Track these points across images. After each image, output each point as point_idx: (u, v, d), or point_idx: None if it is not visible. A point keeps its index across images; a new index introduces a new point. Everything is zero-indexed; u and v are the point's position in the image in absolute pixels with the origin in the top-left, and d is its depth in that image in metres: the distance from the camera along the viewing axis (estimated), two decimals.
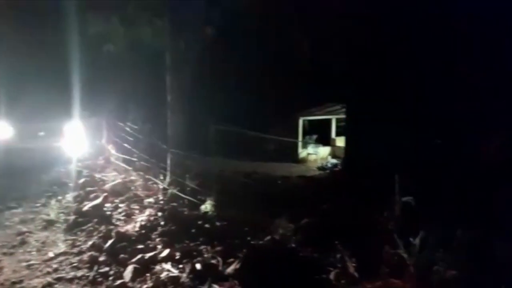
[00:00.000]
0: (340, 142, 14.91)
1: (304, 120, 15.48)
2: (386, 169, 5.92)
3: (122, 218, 7.31)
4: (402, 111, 8.40)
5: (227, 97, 13.83)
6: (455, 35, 7.25)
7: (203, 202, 7.61)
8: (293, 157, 14.66)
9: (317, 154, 15.12)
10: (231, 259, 5.48)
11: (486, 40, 6.76)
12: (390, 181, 5.58)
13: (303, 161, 14.91)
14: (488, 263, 4.28)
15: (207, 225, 6.83)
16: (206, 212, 7.36)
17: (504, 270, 4.16)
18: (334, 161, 13.97)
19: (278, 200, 7.73)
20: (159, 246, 6.13)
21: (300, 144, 14.93)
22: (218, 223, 6.85)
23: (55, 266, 5.87)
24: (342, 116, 14.50)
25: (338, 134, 16.16)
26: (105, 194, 8.14)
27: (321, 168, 13.55)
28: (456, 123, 7.18)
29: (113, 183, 8.91)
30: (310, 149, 15.29)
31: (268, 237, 6.06)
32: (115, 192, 8.40)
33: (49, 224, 7.34)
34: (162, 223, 6.94)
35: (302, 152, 15.19)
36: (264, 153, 14.41)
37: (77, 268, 5.77)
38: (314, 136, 16.04)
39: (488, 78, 6.81)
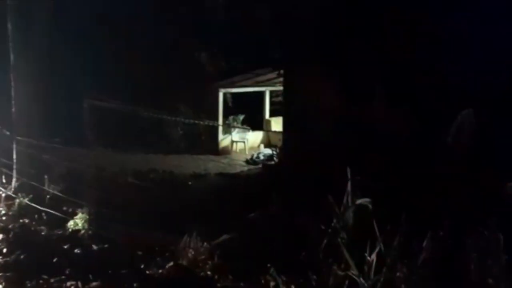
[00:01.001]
0: (277, 125, 15.34)
1: (225, 94, 15.61)
2: (339, 162, 6.21)
3: None
4: (363, 78, 8.86)
5: (110, 58, 13.41)
6: None
7: (72, 216, 7.53)
8: (211, 147, 14.83)
9: (245, 142, 15.41)
10: None
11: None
12: (343, 178, 5.88)
13: (225, 152, 15.11)
14: (462, 283, 4.76)
15: (77, 251, 6.74)
16: (76, 231, 7.29)
17: None
18: (268, 151, 14.35)
19: (187, 210, 7.82)
20: (0, 286, 5.86)
21: (220, 128, 15.07)
22: (95, 247, 6.79)
23: None
24: (279, 87, 14.92)
25: (273, 113, 16.60)
26: None
27: (251, 161, 13.85)
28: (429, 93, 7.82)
29: None
30: (235, 135, 15.51)
31: (171, 264, 6.08)
32: None
33: None
34: (5, 250, 6.73)
35: (224, 140, 15.36)
36: (168, 142, 14.29)
37: None
38: (241, 117, 16.30)
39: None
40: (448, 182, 6.62)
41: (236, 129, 15.56)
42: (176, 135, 14.74)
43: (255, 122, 16.20)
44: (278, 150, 13.23)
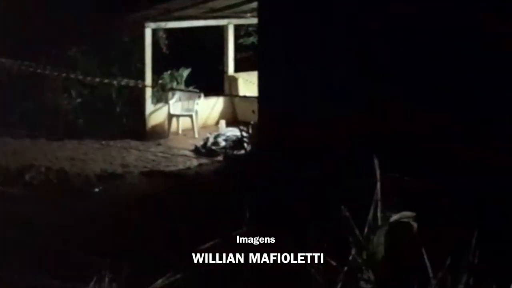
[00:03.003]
0: (248, 85, 15.30)
1: (156, 32, 15.52)
2: (361, 149, 6.24)
3: None
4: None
5: None
6: None
7: None
8: (133, 126, 14.92)
9: (192, 117, 15.37)
10: None
11: None
12: (368, 175, 5.92)
13: (159, 134, 15.16)
14: None
15: None
16: None
17: None
18: (234, 133, 14.37)
19: (94, 236, 7.89)
20: None
21: (148, 92, 15.08)
22: None
23: None
24: (251, 20, 14.88)
25: (242, 65, 16.53)
26: None
27: (203, 150, 13.83)
28: None
29: None
30: (175, 104, 15.46)
31: None
32: None
33: None
34: None
35: (156, 113, 15.31)
36: (57, 117, 14.12)
37: None
38: (185, 73, 16.20)
39: None
40: None
41: (177, 94, 15.48)
42: (70, 105, 14.58)
43: (210, 81, 16.11)
44: (251, 131, 13.26)
